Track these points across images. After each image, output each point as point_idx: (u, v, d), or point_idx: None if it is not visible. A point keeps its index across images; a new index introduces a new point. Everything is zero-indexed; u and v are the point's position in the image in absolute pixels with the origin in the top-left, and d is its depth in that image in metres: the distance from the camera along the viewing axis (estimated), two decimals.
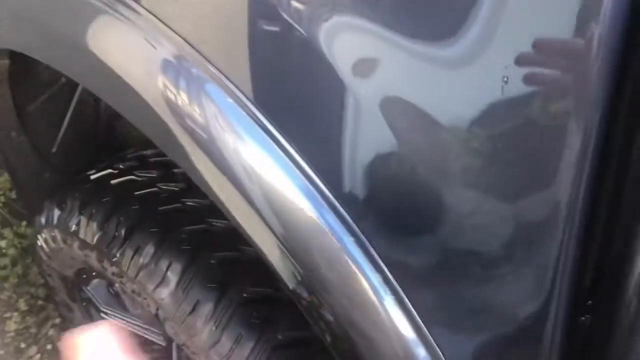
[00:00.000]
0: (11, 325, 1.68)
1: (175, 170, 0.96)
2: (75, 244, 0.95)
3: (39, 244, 1.10)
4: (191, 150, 0.58)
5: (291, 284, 0.58)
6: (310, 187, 0.54)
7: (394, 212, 0.54)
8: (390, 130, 0.50)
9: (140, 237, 0.87)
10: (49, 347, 1.65)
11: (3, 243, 1.66)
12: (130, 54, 0.63)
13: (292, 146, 0.54)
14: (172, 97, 0.58)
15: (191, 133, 0.57)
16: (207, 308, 0.82)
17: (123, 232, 0.88)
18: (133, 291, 0.88)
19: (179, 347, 1.08)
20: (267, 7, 0.52)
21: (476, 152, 0.48)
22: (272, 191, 0.54)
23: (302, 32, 0.51)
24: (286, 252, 0.56)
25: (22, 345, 1.65)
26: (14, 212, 1.68)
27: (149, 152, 1.03)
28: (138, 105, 0.61)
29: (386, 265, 0.54)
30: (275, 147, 0.55)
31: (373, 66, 0.50)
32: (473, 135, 0.48)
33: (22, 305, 1.72)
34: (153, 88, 0.59)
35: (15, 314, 1.71)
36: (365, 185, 0.53)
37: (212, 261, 0.85)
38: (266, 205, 0.55)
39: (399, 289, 0.54)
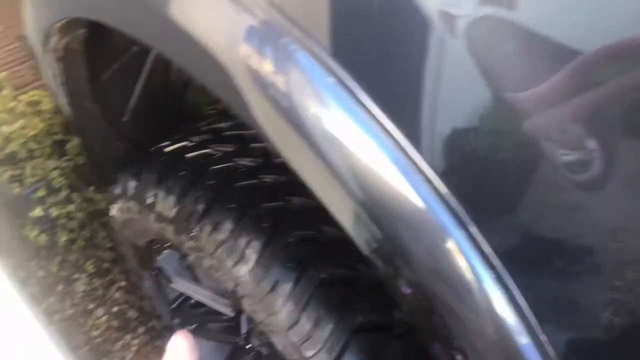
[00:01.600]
0: (79, 287, 1.73)
1: (252, 145, 0.95)
2: (151, 217, 0.95)
3: (112, 213, 1.11)
4: (274, 117, 0.56)
5: (368, 250, 0.56)
6: (399, 153, 0.50)
7: (493, 178, 0.51)
8: (490, 90, 0.46)
9: (219, 212, 0.86)
10: (115, 309, 1.69)
11: (72, 207, 1.70)
12: (214, 20, 0.60)
13: (380, 111, 0.51)
14: (256, 64, 0.55)
15: (274, 100, 0.55)
16: (286, 288, 0.80)
17: (201, 207, 0.87)
18: (210, 267, 0.88)
19: (248, 318, 1.08)
20: None
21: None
22: (355, 155, 0.51)
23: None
24: (367, 217, 0.54)
25: (90, 306, 1.70)
26: (82, 177, 1.71)
27: (223, 125, 1.01)
28: (219, 72, 0.59)
29: (485, 238, 0.50)
30: (364, 112, 0.52)
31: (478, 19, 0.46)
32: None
33: (90, 267, 1.76)
34: (236, 54, 0.57)
35: (83, 275, 1.76)
36: (458, 150, 0.50)
37: (291, 240, 0.84)
38: (348, 170, 0.52)
39: (500, 267, 0.51)
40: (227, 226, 0.85)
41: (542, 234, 0.51)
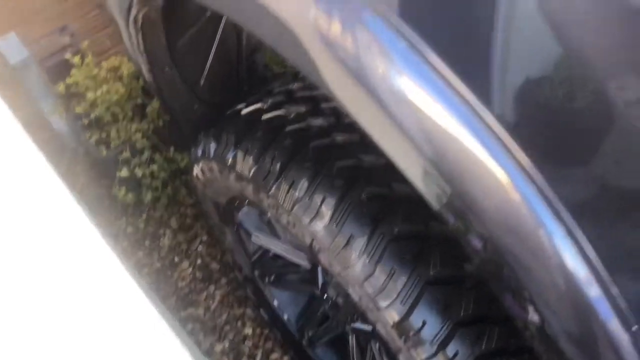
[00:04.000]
0: (165, 242, 1.85)
1: (324, 105, 0.98)
2: (232, 176, 1.01)
3: (194, 173, 1.17)
4: (343, 78, 0.58)
5: (439, 205, 0.58)
6: (468, 110, 0.52)
7: (562, 130, 0.52)
8: (559, 44, 0.47)
9: (295, 171, 0.91)
10: (198, 261, 1.80)
11: (154, 167, 1.80)
12: None
13: (450, 70, 0.53)
14: (325, 26, 0.57)
15: (343, 61, 0.57)
16: (360, 242, 0.84)
17: (278, 166, 0.92)
18: (288, 222, 0.93)
19: (324, 270, 1.14)
20: None
21: None
22: (425, 114, 0.54)
23: None
24: (437, 174, 0.56)
25: (176, 259, 1.82)
26: (163, 138, 1.80)
27: (295, 86, 1.05)
28: (290, 38, 0.61)
29: (556, 192, 0.52)
30: (432, 72, 0.53)
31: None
32: None
33: (174, 223, 1.87)
34: (306, 18, 0.59)
35: (168, 231, 1.87)
36: (527, 104, 0.51)
37: (364, 196, 0.87)
38: (417, 129, 0.55)
39: (570, 220, 0.52)
40: (303, 184, 0.89)
41: (613, 184, 0.51)
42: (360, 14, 0.55)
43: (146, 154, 1.80)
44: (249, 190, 0.98)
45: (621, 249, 0.54)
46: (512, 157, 0.52)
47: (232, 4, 0.70)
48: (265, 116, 1.00)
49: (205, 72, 1.27)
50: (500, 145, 0.52)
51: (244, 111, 1.05)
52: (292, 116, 0.98)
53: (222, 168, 1.03)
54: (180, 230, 1.86)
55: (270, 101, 1.03)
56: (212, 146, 1.05)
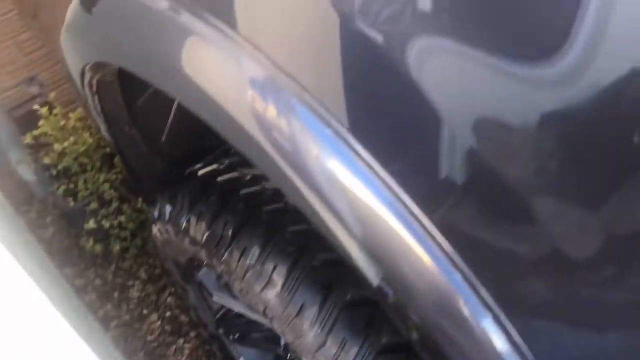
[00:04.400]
0: (134, 293, 1.82)
1: None
2: (187, 240, 1.00)
3: (154, 232, 1.16)
4: (280, 164, 0.59)
5: (377, 282, 0.59)
6: (393, 199, 0.53)
7: (486, 225, 0.52)
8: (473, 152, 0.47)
9: (247, 238, 0.90)
10: (168, 314, 1.77)
11: (123, 218, 1.78)
12: (222, 77, 0.63)
13: (378, 163, 0.53)
14: (261, 118, 0.58)
15: (280, 150, 0.58)
16: (312, 311, 0.83)
17: (230, 232, 0.91)
18: (241, 290, 0.92)
19: None
20: (360, 37, 0.50)
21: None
22: (354, 201, 0.54)
23: (394, 59, 0.49)
24: (370, 256, 0.56)
25: (145, 312, 1.79)
26: (131, 189, 1.79)
27: None
28: (229, 124, 0.62)
29: (478, 278, 0.52)
30: (361, 164, 0.54)
31: (471, 98, 0.47)
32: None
33: (143, 274, 1.85)
34: (243, 110, 0.60)
35: (137, 282, 1.84)
36: (452, 196, 0.51)
37: (315, 263, 0.86)
38: (348, 214, 0.55)
39: (494, 302, 0.52)
40: (255, 252, 0.88)
41: (537, 278, 0.51)
42: (293, 107, 0.56)
43: (114, 205, 1.78)
44: (203, 255, 0.97)
45: (544, 338, 0.54)
46: (436, 243, 0.52)
47: (176, 86, 0.70)
48: (221, 178, 0.99)
49: (167, 129, 1.27)
50: (427, 236, 0.51)
51: (200, 172, 1.04)
52: (247, 179, 0.98)
53: (177, 232, 1.02)
54: (149, 282, 1.84)
55: (227, 162, 1.03)
56: (168, 208, 1.04)
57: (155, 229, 1.13)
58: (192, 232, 0.97)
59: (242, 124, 0.60)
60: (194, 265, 1.17)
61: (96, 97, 1.08)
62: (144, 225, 1.82)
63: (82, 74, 0.99)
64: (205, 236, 0.94)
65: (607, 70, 0.42)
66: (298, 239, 0.88)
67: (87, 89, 1.05)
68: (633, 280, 0.49)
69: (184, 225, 0.98)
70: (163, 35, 0.68)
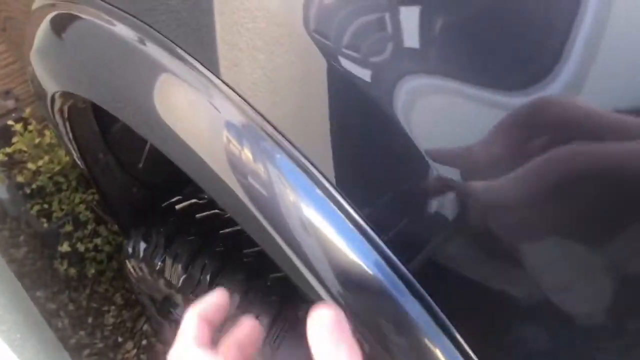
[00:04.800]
0: (109, 319, 1.73)
1: None
2: (161, 281, 0.93)
3: (127, 267, 1.09)
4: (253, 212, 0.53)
5: None
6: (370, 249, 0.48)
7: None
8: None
9: (226, 283, 0.83)
10: (144, 342, 1.69)
11: (99, 240, 1.70)
12: (198, 121, 0.57)
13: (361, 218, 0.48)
14: (238, 165, 0.52)
15: (256, 201, 0.52)
16: None
17: (208, 277, 0.84)
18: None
19: None
20: (345, 88, 0.44)
21: None
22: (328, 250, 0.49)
23: (382, 108, 0.43)
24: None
25: (119, 339, 1.70)
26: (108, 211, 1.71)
27: None
28: (204, 172, 0.56)
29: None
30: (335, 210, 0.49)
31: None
32: None
33: (119, 299, 1.77)
34: (219, 156, 0.54)
35: (112, 307, 1.76)
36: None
37: (299, 313, 0.79)
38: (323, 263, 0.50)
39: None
40: (235, 299, 0.81)
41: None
42: (272, 155, 0.51)
43: (90, 227, 1.70)
44: (179, 298, 0.90)
45: None
46: (419, 300, 0.47)
47: (149, 129, 0.63)
48: (199, 215, 0.93)
49: (145, 154, 1.20)
50: (407, 289, 0.46)
51: (178, 206, 0.97)
52: (226, 216, 0.91)
53: (151, 271, 0.94)
54: (125, 307, 1.75)
55: (205, 196, 0.96)
56: (142, 245, 0.96)
57: (129, 265, 1.06)
58: (167, 273, 0.90)
59: (214, 169, 0.54)
60: (170, 303, 1.09)
61: (67, 124, 1.00)
62: (120, 247, 1.74)
63: (52, 100, 0.92)
64: (181, 280, 0.87)
65: None
66: (280, 286, 0.81)
67: (57, 115, 0.98)
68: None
69: (159, 265, 0.91)
70: (134, 69, 0.62)
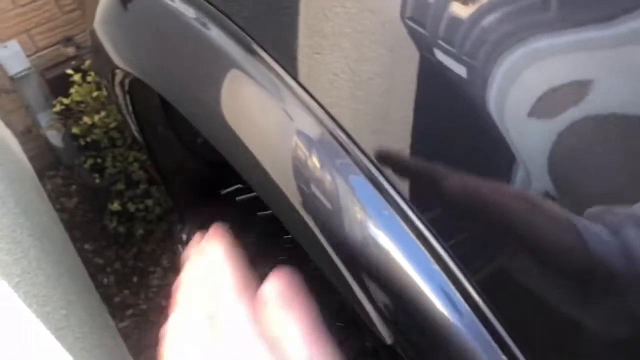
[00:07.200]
0: (153, 281, 1.71)
1: None
2: None
3: (178, 251, 1.03)
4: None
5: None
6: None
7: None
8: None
9: None
10: None
11: (150, 202, 1.67)
12: (268, 126, 0.48)
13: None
14: (307, 181, 0.44)
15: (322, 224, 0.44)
16: None
17: None
18: None
19: None
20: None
21: None
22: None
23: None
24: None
25: (163, 302, 1.68)
26: None
27: None
28: (267, 181, 0.48)
29: None
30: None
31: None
32: None
33: (165, 261, 1.74)
34: (287, 166, 0.45)
35: (158, 269, 1.74)
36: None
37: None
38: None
39: None
40: None
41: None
42: (347, 171, 0.42)
43: (142, 187, 1.66)
44: None
45: None
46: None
47: (214, 133, 0.55)
48: (262, 213, 0.85)
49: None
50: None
51: (239, 198, 0.90)
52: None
53: None
54: (171, 270, 1.73)
55: None
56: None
57: (180, 249, 1.00)
58: None
59: (279, 180, 0.46)
60: None
61: (127, 97, 0.93)
62: (172, 210, 1.71)
63: (112, 73, 0.85)
64: None
65: None
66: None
67: (117, 88, 0.91)
68: None
69: None
70: (201, 61, 0.53)
